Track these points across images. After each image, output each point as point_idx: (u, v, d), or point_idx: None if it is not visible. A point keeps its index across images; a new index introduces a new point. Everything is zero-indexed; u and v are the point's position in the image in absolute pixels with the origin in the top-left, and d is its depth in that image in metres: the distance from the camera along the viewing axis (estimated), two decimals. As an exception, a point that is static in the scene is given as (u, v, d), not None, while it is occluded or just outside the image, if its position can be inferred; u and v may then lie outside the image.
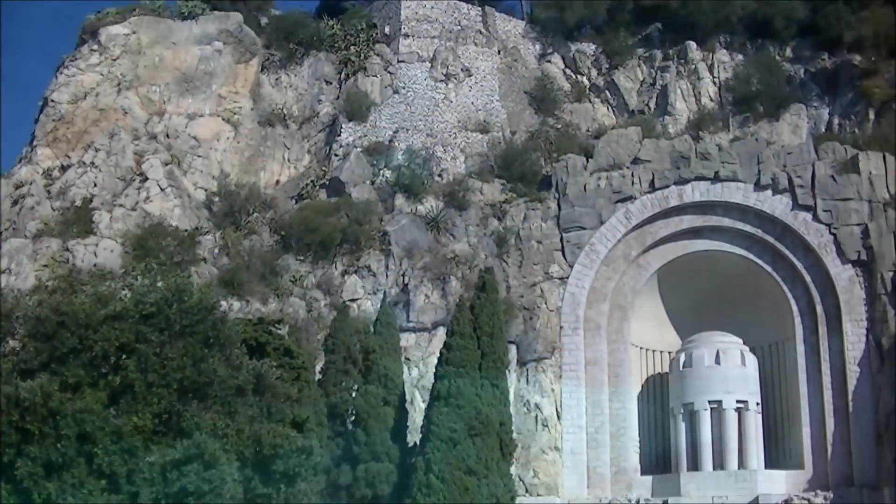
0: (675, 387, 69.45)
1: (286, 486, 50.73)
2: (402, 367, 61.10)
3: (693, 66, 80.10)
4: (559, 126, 77.77)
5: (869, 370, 65.66)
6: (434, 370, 58.46)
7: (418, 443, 57.11)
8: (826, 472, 65.61)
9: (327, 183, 74.84)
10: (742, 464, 67.21)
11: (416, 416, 60.73)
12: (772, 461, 68.35)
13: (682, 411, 68.55)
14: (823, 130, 75.56)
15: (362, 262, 69.26)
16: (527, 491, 64.01)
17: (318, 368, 60.22)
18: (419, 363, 65.53)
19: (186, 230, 69.69)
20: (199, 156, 75.31)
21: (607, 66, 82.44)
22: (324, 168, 76.29)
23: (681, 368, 69.00)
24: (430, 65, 79.34)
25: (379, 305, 63.22)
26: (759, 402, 68.81)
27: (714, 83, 79.43)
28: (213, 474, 40.72)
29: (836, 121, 76.14)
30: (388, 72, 79.41)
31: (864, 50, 77.03)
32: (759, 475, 66.02)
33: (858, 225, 68.04)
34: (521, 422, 64.76)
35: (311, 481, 53.02)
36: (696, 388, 68.30)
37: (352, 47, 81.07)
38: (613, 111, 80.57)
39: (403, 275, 68.83)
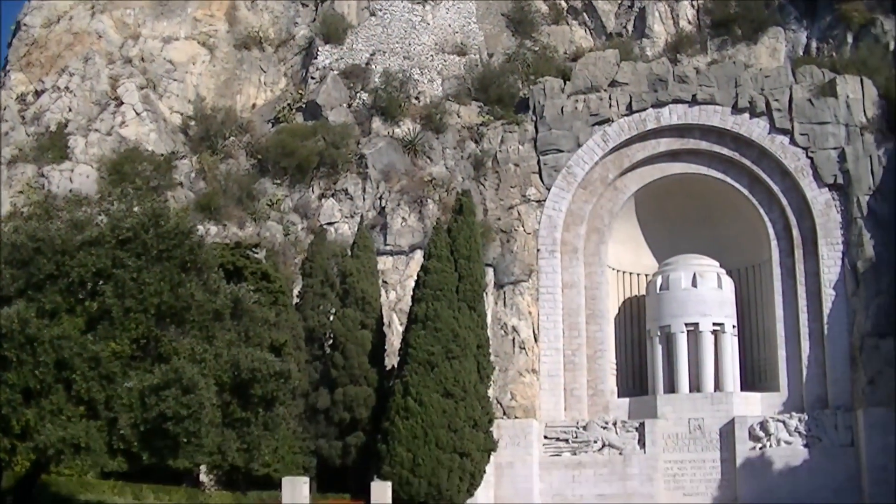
0: (652, 309, 69.73)
1: (264, 409, 50.77)
2: (379, 290, 61.23)
3: (672, -11, 79.75)
4: (537, 48, 77.29)
5: (844, 293, 65.99)
6: (411, 293, 58.59)
7: (396, 366, 57.31)
8: (801, 394, 66.12)
9: (304, 106, 74.59)
10: (718, 386, 67.67)
11: (394, 340, 61.00)
12: (747, 383, 68.89)
13: (658, 334, 68.89)
14: (801, 54, 75.24)
15: (339, 186, 69.15)
16: (504, 413, 64.35)
17: (295, 292, 60.36)
18: (396, 286, 65.59)
19: (162, 155, 69.43)
20: (174, 80, 74.88)
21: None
22: (300, 91, 75.95)
23: (658, 291, 69.24)
24: (408, -13, 78.73)
25: (356, 229, 63.27)
26: (736, 324, 69.19)
27: (692, 6, 78.88)
28: (192, 399, 40.63)
29: (814, 44, 75.80)
30: (365, -6, 78.89)
31: (844, -27, 76.70)
32: (735, 397, 66.55)
33: (835, 149, 68.10)
34: (499, 344, 64.98)
35: (289, 405, 53.12)
36: (672, 310, 68.59)
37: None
38: (591, 34, 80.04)
39: (380, 198, 68.74)
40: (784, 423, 64.96)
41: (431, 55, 76.43)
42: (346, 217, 67.86)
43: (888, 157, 67.13)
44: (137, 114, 70.92)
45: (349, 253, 60.85)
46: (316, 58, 76.67)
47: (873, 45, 72.46)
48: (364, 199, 68.72)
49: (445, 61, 76.32)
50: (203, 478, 52.77)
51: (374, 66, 75.19)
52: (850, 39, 74.28)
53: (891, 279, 64.81)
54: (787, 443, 64.61)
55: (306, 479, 48.76)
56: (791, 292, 67.78)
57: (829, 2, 76.04)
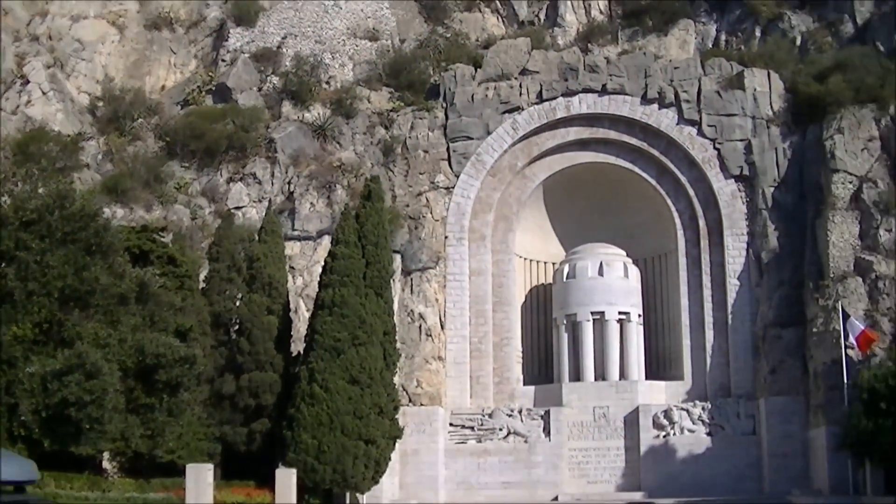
0: (559, 298, 70.08)
1: (169, 395, 50.53)
2: (286, 275, 60.86)
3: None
4: (448, 35, 77.20)
5: (748, 283, 66.79)
6: (319, 279, 58.28)
7: (302, 352, 57.06)
8: (704, 382, 66.89)
9: (214, 89, 74.02)
10: (623, 374, 68.23)
11: (301, 325, 60.70)
12: (652, 372, 69.50)
13: (564, 322, 69.27)
14: (711, 46, 75.97)
15: (248, 170, 68.66)
16: (410, 400, 64.33)
17: (202, 277, 59.79)
18: (304, 272, 65.28)
19: (69, 135, 68.40)
20: (82, 59, 73.89)
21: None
22: (210, 74, 75.34)
23: (564, 279, 69.59)
24: (320, -30, 78.26)
25: (264, 213, 62.82)
26: (641, 313, 69.78)
27: (604, -4, 79.52)
28: (95, 384, 40.32)
29: (723, 37, 76.55)
30: (278, -23, 78.24)
31: (754, -33, 77.47)
32: (640, 385, 67.13)
33: (742, 140, 68.80)
34: (405, 331, 64.94)
35: (194, 391, 52.99)
36: (579, 299, 69.01)
37: (241, -50, 79.54)
38: (503, 21, 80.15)
39: (289, 182, 68.34)
40: (688, 411, 65.64)
41: (343, 40, 76.04)
42: (255, 201, 67.39)
43: (793, 150, 67.92)
44: (44, 93, 69.88)
45: (257, 238, 60.39)
46: (227, 40, 76.13)
47: (781, 39, 73.35)
48: (272, 184, 68.26)
49: (357, 46, 76.01)
50: (106, 465, 52.17)
51: (285, 50, 74.75)
52: (758, 33, 75.15)
53: (794, 270, 65.59)
54: (691, 431, 65.27)
55: (210, 466, 48.21)
56: (696, 282, 68.47)
57: (738, -5, 77.02)
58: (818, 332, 62.05)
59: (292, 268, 64.10)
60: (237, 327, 57.86)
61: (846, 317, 58.83)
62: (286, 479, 50.61)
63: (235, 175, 68.44)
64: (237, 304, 58.54)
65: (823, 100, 67.25)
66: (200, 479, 46.67)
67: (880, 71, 67.54)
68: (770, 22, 75.14)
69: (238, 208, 66.91)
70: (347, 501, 55.03)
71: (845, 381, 57.90)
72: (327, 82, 73.49)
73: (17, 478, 17.94)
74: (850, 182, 65.06)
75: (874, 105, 66.74)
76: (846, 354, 58.61)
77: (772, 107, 69.32)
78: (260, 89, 73.35)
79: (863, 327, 58.60)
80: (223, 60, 75.23)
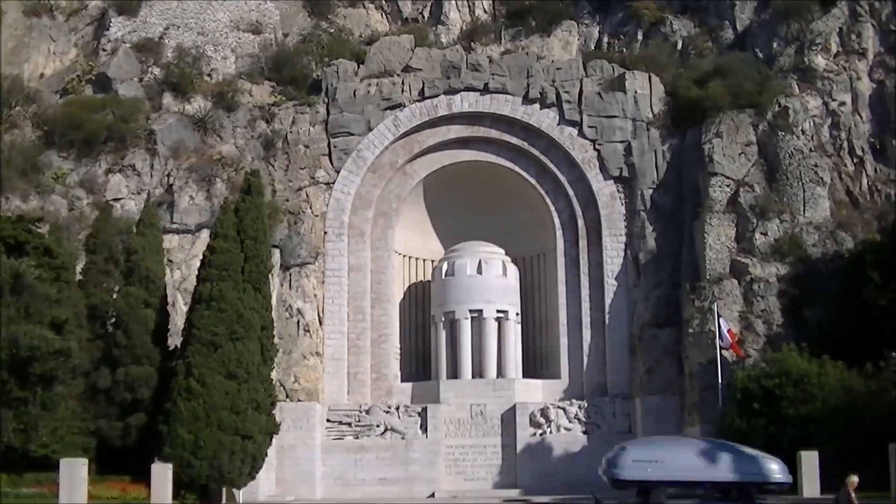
0: (437, 295, 70.14)
1: (43, 388, 49.80)
2: (164, 268, 60.09)
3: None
4: (332, 30, 76.81)
5: (626, 284, 67.50)
6: (197, 273, 57.65)
7: (180, 346, 56.41)
8: (581, 381, 67.44)
9: (94, 78, 72.68)
10: (501, 372, 68.47)
11: (178, 319, 59.98)
12: (530, 370, 69.84)
13: (443, 319, 69.35)
14: (593, 48, 76.65)
15: (127, 161, 67.54)
16: (287, 396, 63.91)
17: (78, 269, 58.78)
18: (182, 265, 64.51)
19: (-56, 122, 67.00)
20: (-43, 44, 72.42)
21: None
22: (91, 63, 74.03)
23: (443, 277, 69.67)
24: (204, -39, 77.29)
25: (143, 205, 61.99)
26: (519, 312, 70.06)
27: (489, -5, 79.79)
28: (-32, 377, 39.60)
29: (605, 39, 77.28)
30: (161, -34, 77.04)
31: (637, -29, 78.27)
32: (517, 384, 67.41)
33: (622, 142, 69.49)
34: (283, 326, 64.52)
35: (69, 384, 52.24)
36: (457, 296, 69.13)
37: (123, -62, 78.16)
38: (387, 18, 79.97)
39: (169, 175, 67.41)
40: (564, 409, 66.16)
41: (226, 32, 75.20)
42: (133, 193, 66.33)
43: (672, 153, 68.76)
44: (-81, 79, 68.43)
45: (135, 230, 59.52)
46: (108, 29, 74.87)
47: (662, 43, 74.26)
48: (152, 176, 67.26)
49: (240, 39, 75.23)
50: (-24, 459, 51.17)
51: (167, 41, 73.65)
52: (640, 36, 76.04)
53: (671, 271, 66.45)
54: (567, 429, 65.80)
55: (85, 461, 47.72)
56: (574, 281, 68.98)
57: (621, -1, 77.78)
58: (694, 333, 62.88)
59: (170, 261, 63.25)
60: (114, 320, 56.94)
61: (719, 317, 59.71)
62: (162, 474, 50.12)
63: (114, 166, 67.28)
64: (114, 296, 57.66)
65: (703, 104, 68.21)
66: (74, 474, 46.10)
67: (759, 77, 68.71)
68: (652, 26, 76.05)
69: (116, 200, 65.76)
70: (224, 497, 54.49)
71: (719, 381, 58.73)
72: (209, 75, 72.65)
73: None
74: (728, 186, 66.09)
75: (752, 110, 67.90)
76: (721, 355, 59.42)
77: (652, 109, 70.13)
78: (141, 80, 72.20)
79: (731, 335, 59.47)
80: (104, 50, 73.96)
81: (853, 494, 32.23)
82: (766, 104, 67.82)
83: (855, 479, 32.44)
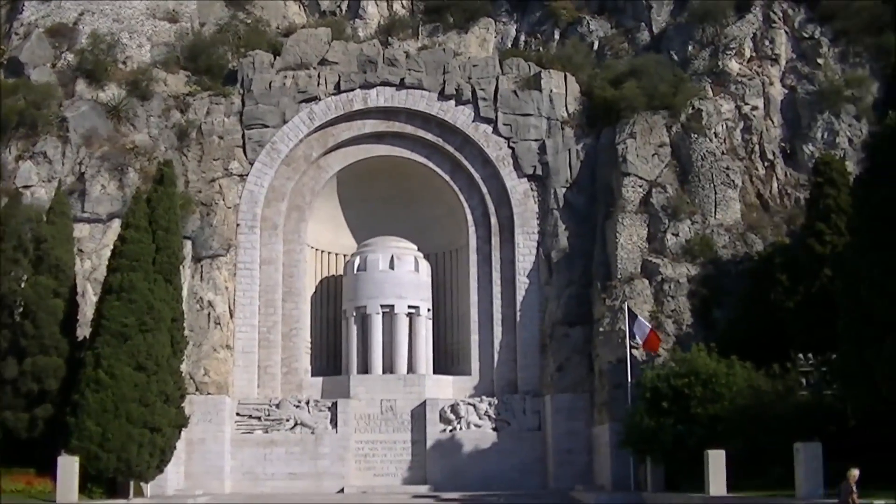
0: (349, 290, 70.06)
1: (-52, 378, 49.01)
2: (74, 258, 59.35)
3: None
4: (249, 21, 76.30)
5: (538, 281, 67.87)
6: (107, 263, 57.04)
7: (89, 337, 55.77)
8: (492, 378, 67.74)
9: (5, 63, 71.48)
10: (411, 368, 68.54)
11: (88, 310, 59.23)
12: (441, 367, 70.00)
13: (354, 314, 69.29)
14: (510, 46, 76.84)
15: (38, 148, 66.49)
16: (197, 389, 63.41)
17: (-14, 257, 57.89)
18: (92, 255, 63.70)
19: None
20: None
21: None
22: (2, 47, 72.83)
23: (355, 272, 69.61)
24: (121, -53, 76.28)
25: (53, 194, 61.16)
26: (431, 308, 70.14)
27: (407, -10, 79.72)
28: None
29: (522, 38, 77.51)
30: (78, -49, 75.91)
31: (555, -30, 78.60)
32: (428, 380, 67.53)
33: (536, 140, 69.82)
34: (194, 319, 64.02)
35: (-26, 374, 51.42)
36: (369, 291, 69.10)
37: (40, -78, 76.97)
38: (305, 10, 79.60)
39: (80, 163, 66.51)
40: (475, 406, 66.37)
41: (142, 20, 74.23)
42: (44, 181, 65.31)
43: (586, 152, 69.21)
44: None
45: (45, 218, 58.68)
46: (21, 13, 73.69)
47: (579, 42, 74.62)
48: (63, 164, 66.29)
49: (156, 27, 74.32)
50: None
51: (81, 27, 72.57)
52: (557, 36, 76.37)
53: (582, 270, 66.87)
54: (477, 426, 66.04)
55: (-10, 452, 47.12)
56: (486, 278, 69.25)
57: (539, -2, 78.08)
58: (604, 332, 63.28)
59: (81, 250, 62.46)
60: (21, 310, 56.06)
61: (633, 317, 60.04)
62: (68, 467, 49.51)
63: (25, 153, 66.19)
64: (22, 285, 56.80)
65: (617, 105, 68.70)
66: (-21, 466, 45.44)
67: (673, 79, 69.34)
68: (569, 26, 76.44)
69: (26, 187, 64.74)
70: (131, 490, 53.91)
71: (629, 380, 59.04)
72: (124, 62, 71.70)
73: None
74: (640, 186, 66.60)
75: (666, 112, 68.49)
76: (631, 354, 59.81)
77: (567, 109, 70.56)
78: (54, 66, 71.09)
79: (650, 327, 59.92)
80: (16, 34, 72.77)
81: (854, 488, 32.45)
82: (680, 106, 68.46)
83: (856, 472, 32.64)
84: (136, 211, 56.56)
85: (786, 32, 72.15)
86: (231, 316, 66.56)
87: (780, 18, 72.24)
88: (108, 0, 74.30)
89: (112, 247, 57.86)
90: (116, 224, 62.02)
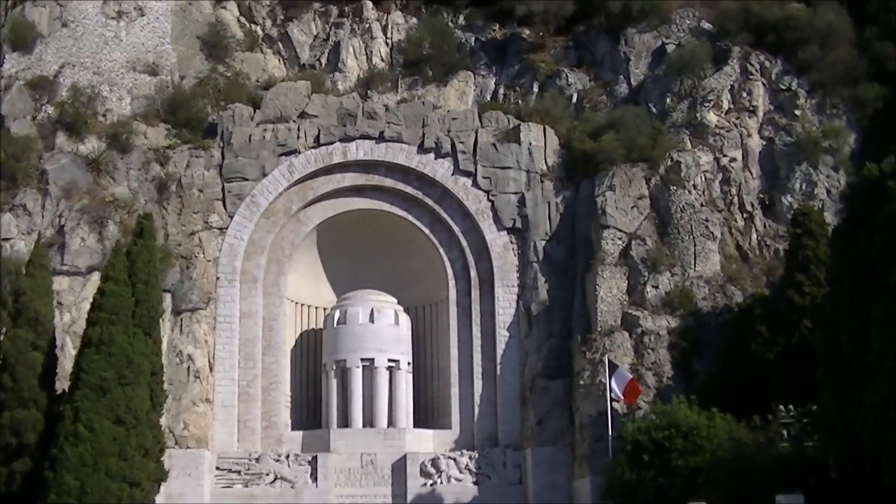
0: (329, 343, 69.85)
1: (-75, 432, 48.68)
2: (53, 310, 59.16)
3: (367, 25, 79.97)
4: (229, 74, 76.41)
5: (518, 334, 67.75)
6: (87, 316, 56.96)
7: (67, 390, 55.55)
8: (472, 432, 67.41)
9: (-16, 115, 71.63)
10: (392, 422, 68.25)
11: (67, 363, 59.01)
12: (421, 420, 69.73)
13: (334, 368, 69.05)
14: (489, 99, 77.03)
15: (18, 201, 66.26)
16: (176, 443, 63.02)
17: (-36, 310, 57.72)
18: (72, 308, 63.44)
19: None
20: None
21: (282, 17, 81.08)
22: (-18, 99, 72.98)
23: (335, 325, 69.45)
24: (102, 0, 76.15)
25: (33, 246, 60.97)
26: (411, 361, 69.97)
27: (386, 44, 79.69)
28: None
29: (501, 91, 77.72)
30: (59, 3, 75.34)
31: (534, 24, 78.89)
32: (408, 433, 67.19)
33: (515, 193, 69.95)
34: (174, 372, 63.72)
35: (-48, 428, 51.10)
36: (349, 345, 68.89)
37: (22, -26, 77.05)
38: (285, 63, 79.73)
39: (60, 216, 66.30)
40: (455, 460, 66.04)
41: (122, 72, 74.18)
42: (24, 233, 65.08)
43: (566, 205, 69.39)
44: None
45: (24, 271, 58.53)
46: (1, 65, 73.65)
47: (557, 95, 74.77)
48: (43, 216, 66.13)
49: (136, 80, 74.27)
50: None
51: (62, 79, 72.46)
52: (535, 89, 76.46)
53: (562, 322, 66.87)
54: (458, 479, 65.63)
55: (-33, 507, 46.75)
56: (466, 331, 69.13)
57: (517, 51, 78.30)
58: (585, 385, 63.22)
59: (60, 303, 62.18)
60: (0, 363, 55.86)
61: (613, 368, 60.06)
62: (47, 522, 49.26)
63: (4, 205, 65.92)
64: (1, 338, 56.59)
65: (596, 157, 68.89)
66: (-44, 520, 45.08)
67: (652, 131, 69.56)
68: (548, 78, 76.63)
69: (6, 240, 64.42)
70: (110, 545, 53.54)
71: (610, 432, 58.99)
72: (104, 115, 71.67)
73: None
74: (620, 238, 66.75)
75: (645, 164, 68.72)
76: (611, 407, 59.78)
77: (546, 161, 70.73)
78: (34, 118, 70.94)
79: (630, 377, 59.93)
80: (-4, 86, 73.05)
81: None
82: (659, 158, 68.71)
83: None
84: (115, 264, 56.58)
85: (763, 84, 72.53)
86: (211, 369, 66.25)
87: (757, 70, 72.65)
88: (88, 53, 74.33)
89: (91, 300, 57.85)
90: (96, 277, 61.81)
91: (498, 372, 67.48)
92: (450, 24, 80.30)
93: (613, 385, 59.65)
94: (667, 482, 52.63)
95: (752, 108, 71.95)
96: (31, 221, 65.82)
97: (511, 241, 69.46)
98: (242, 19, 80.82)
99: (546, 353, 66.60)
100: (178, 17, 77.97)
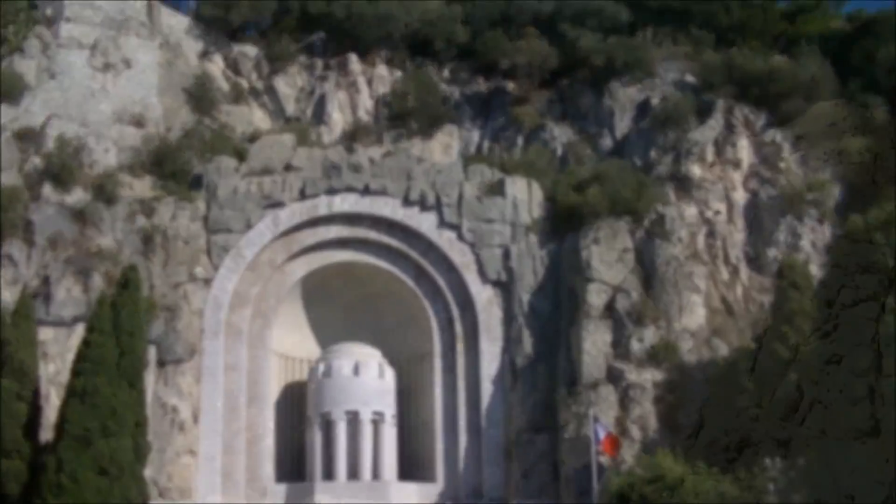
0: (313, 396, 69.64)
1: None
2: (38, 361, 59.03)
3: (352, 79, 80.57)
4: (215, 126, 76.64)
5: (502, 388, 67.67)
6: (71, 366, 56.83)
7: (52, 441, 55.32)
8: (457, 485, 67.17)
9: (-29, 166, 71.61)
10: (376, 475, 67.97)
11: (51, 413, 58.78)
12: (405, 473, 69.37)
13: (318, 420, 68.79)
14: (474, 152, 77.44)
15: (4, 251, 66.16)
16: (160, 494, 62.66)
17: (-51, 360, 57.48)
18: (57, 358, 63.21)
19: None
20: None
21: (268, 70, 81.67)
22: (-31, 150, 72.99)
23: (320, 378, 69.25)
24: (90, 52, 76.19)
25: (18, 296, 60.91)
26: (396, 414, 69.77)
27: (371, 97, 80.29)
28: None
29: (486, 144, 78.18)
30: (46, 55, 75.78)
31: (518, 78, 79.52)
32: (392, 486, 66.89)
33: (500, 246, 70.03)
34: (158, 424, 63.43)
35: (-65, 478, 50.81)
36: (333, 397, 68.67)
37: (10, 26, 76.87)
38: (270, 116, 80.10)
39: (46, 266, 66.23)
40: (440, 513, 66.05)
41: (109, 124, 74.28)
42: (9, 284, 64.76)
43: (550, 258, 69.53)
44: None
45: (9, 321, 58.43)
46: (-9, 117, 74.04)
47: (542, 148, 75.31)
48: (28, 267, 66.01)
49: (122, 132, 74.31)
50: None
51: (49, 131, 72.50)
52: (520, 142, 77.03)
53: (547, 376, 66.86)
54: (442, 533, 65.64)
55: (-52, 558, 46.44)
56: (451, 385, 69.01)
57: (502, 104, 78.89)
58: (570, 438, 63.17)
59: (45, 354, 61.99)
60: (-16, 412, 55.68)
61: (596, 422, 60.10)
62: (30, 574, 48.95)
63: (-10, 255, 66.18)
64: (-15, 388, 56.43)
65: (581, 210, 69.13)
66: (-62, 572, 44.75)
67: (636, 184, 69.89)
68: (532, 131, 77.17)
69: (-8, 290, 64.62)
70: None
71: (595, 486, 58.90)
72: (90, 166, 71.71)
73: None
74: (605, 291, 66.87)
75: (629, 217, 68.98)
76: (597, 460, 59.69)
77: (531, 214, 70.94)
78: (21, 169, 70.97)
79: (607, 431, 59.94)
80: (-17, 137, 73.07)
81: None
82: (644, 211, 69.02)
83: None
84: (100, 315, 56.51)
85: (747, 137, 73.09)
86: (195, 421, 65.97)
87: (741, 123, 73.22)
88: (75, 105, 74.43)
89: (76, 350, 57.65)
90: (81, 328, 61.62)
91: (482, 425, 67.33)
92: (434, 77, 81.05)
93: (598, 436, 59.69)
94: (652, 535, 52.56)
95: (736, 161, 72.43)
96: (16, 272, 65.67)
97: (496, 295, 69.51)
98: (228, 72, 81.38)
99: (531, 407, 66.55)
100: (164, 69, 78.33)
